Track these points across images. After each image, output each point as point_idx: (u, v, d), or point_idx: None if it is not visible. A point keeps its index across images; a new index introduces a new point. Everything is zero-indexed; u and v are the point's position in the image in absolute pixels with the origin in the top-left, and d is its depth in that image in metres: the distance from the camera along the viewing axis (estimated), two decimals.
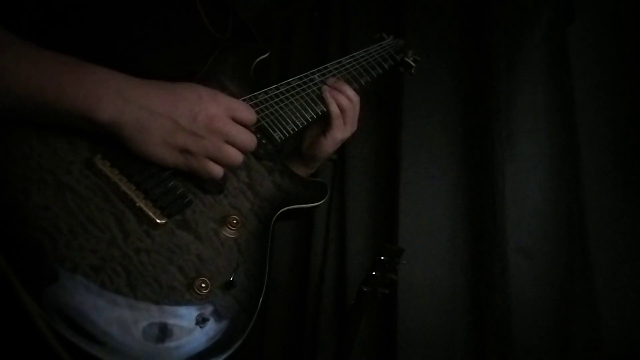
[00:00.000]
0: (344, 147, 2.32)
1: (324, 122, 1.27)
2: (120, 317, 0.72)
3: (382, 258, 1.84)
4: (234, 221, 0.92)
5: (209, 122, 0.86)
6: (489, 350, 2.10)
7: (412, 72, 1.63)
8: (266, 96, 1.15)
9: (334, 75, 1.31)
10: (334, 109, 1.24)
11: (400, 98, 2.40)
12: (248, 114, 0.94)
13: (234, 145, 0.90)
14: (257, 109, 1.10)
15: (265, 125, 1.10)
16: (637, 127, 2.08)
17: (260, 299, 0.90)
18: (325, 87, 1.25)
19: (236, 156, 0.91)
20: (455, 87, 2.40)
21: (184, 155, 0.85)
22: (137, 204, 0.82)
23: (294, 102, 1.19)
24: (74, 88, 0.78)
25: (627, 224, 2.05)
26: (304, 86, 1.24)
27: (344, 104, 1.25)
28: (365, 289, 1.83)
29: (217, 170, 0.89)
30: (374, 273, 1.83)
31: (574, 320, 2.01)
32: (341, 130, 1.27)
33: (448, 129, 2.38)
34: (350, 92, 1.27)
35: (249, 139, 0.93)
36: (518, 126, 2.22)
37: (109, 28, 0.95)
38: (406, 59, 1.60)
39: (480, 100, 2.31)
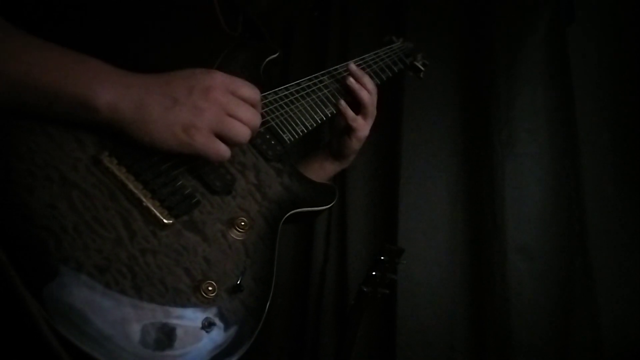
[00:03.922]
0: None
1: (346, 125, 1.26)
2: (124, 319, 0.70)
3: (382, 258, 1.84)
4: (242, 223, 0.89)
5: (206, 93, 0.83)
6: (489, 350, 2.10)
7: (421, 76, 1.62)
8: (275, 96, 1.13)
9: (343, 78, 1.30)
10: (349, 113, 1.24)
11: (401, 98, 2.40)
12: (250, 90, 0.89)
13: (237, 118, 0.85)
14: (267, 109, 1.08)
15: (275, 126, 1.08)
16: (637, 127, 2.09)
17: (268, 303, 0.88)
18: (350, 80, 1.25)
19: (242, 130, 0.86)
20: (455, 87, 2.40)
21: (187, 132, 0.81)
22: (144, 203, 0.79)
23: (304, 103, 1.17)
24: (75, 75, 0.76)
25: (627, 224, 2.05)
26: (314, 87, 1.22)
27: (366, 99, 1.24)
28: (365, 289, 1.82)
29: (224, 150, 0.84)
30: (374, 273, 1.83)
31: (574, 320, 2.01)
32: (363, 128, 1.26)
33: (448, 129, 2.38)
34: (370, 85, 1.27)
35: (251, 113, 0.88)
36: (518, 126, 2.23)
37: (115, 23, 0.94)
38: (415, 63, 1.60)
39: (480, 100, 2.31)
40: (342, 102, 1.23)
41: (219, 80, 0.86)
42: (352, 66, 1.27)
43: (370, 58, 1.42)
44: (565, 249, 2.08)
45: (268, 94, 1.12)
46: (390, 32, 1.66)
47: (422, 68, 1.61)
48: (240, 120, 0.86)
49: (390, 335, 2.24)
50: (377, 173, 2.50)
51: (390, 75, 1.45)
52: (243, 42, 1.18)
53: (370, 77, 1.34)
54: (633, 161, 2.07)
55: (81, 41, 0.82)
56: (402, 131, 2.38)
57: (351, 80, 1.25)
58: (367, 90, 1.25)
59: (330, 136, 1.34)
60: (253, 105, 0.89)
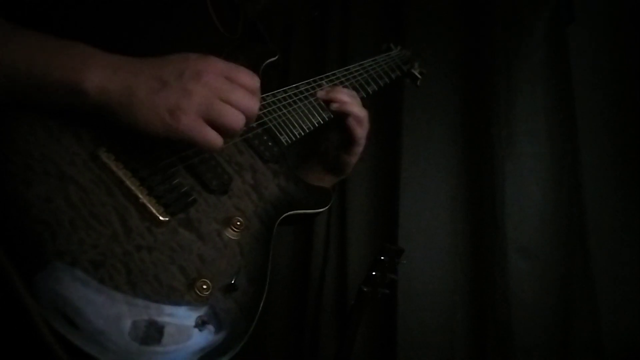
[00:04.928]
0: None
1: (344, 141, 1.25)
2: (118, 315, 0.70)
3: (382, 258, 1.84)
4: (238, 223, 0.89)
5: (198, 76, 0.78)
6: (489, 350, 2.10)
7: (418, 84, 1.64)
8: (274, 99, 1.13)
9: (341, 82, 1.30)
10: (358, 131, 1.22)
11: (401, 98, 2.40)
12: (247, 76, 0.84)
13: (230, 103, 0.80)
14: (265, 110, 1.09)
15: (272, 127, 1.09)
16: (637, 127, 2.09)
17: (261, 304, 0.88)
18: (333, 105, 1.21)
19: (235, 116, 0.80)
20: (455, 88, 2.40)
21: (173, 116, 0.76)
22: (141, 200, 0.79)
23: (302, 106, 1.18)
24: (62, 60, 0.75)
25: (627, 224, 2.05)
26: (312, 91, 1.23)
27: (360, 113, 1.22)
28: (365, 289, 1.82)
29: (213, 136, 0.79)
30: (374, 273, 1.83)
31: (574, 320, 2.01)
32: (363, 143, 1.26)
33: (448, 129, 2.38)
34: (351, 97, 1.24)
35: (248, 99, 0.82)
36: (518, 126, 2.23)
37: (115, 25, 0.94)
38: (412, 71, 1.62)
39: (480, 100, 2.31)
40: (351, 120, 1.22)
41: (214, 64, 0.82)
42: (321, 92, 1.22)
43: (368, 64, 1.44)
44: (565, 249, 2.08)
45: (266, 96, 1.12)
46: (390, 32, 1.67)
47: (419, 76, 1.64)
48: (234, 106, 0.81)
49: (390, 335, 2.24)
50: (377, 173, 2.49)
51: (388, 81, 1.47)
52: (242, 44, 1.18)
53: (368, 83, 1.35)
54: (633, 161, 2.07)
55: (83, 40, 0.82)
56: (402, 131, 2.37)
57: (334, 105, 1.21)
58: (354, 105, 1.23)
59: (323, 153, 1.32)
60: (251, 93, 0.84)
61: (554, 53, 2.20)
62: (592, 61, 2.18)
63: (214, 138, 0.79)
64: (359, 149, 1.26)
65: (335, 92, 1.23)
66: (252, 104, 0.83)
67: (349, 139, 1.24)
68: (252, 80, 0.85)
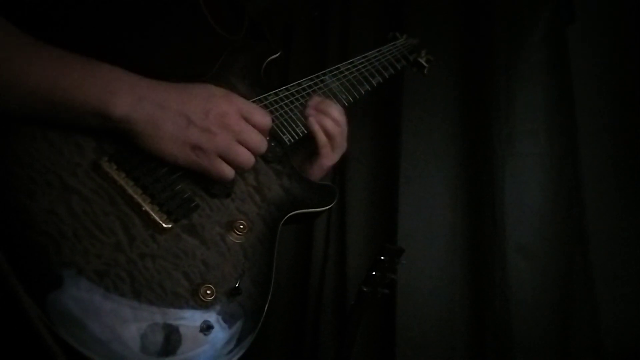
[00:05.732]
0: None
1: (311, 149, 1.17)
2: (123, 323, 0.71)
3: (382, 258, 1.83)
4: (241, 226, 0.90)
5: (221, 119, 0.86)
6: (488, 350, 2.11)
7: (425, 72, 1.61)
8: (276, 97, 1.12)
9: (345, 76, 1.29)
10: (320, 137, 1.14)
11: (400, 97, 2.39)
12: (262, 117, 0.93)
13: (245, 145, 0.89)
14: (267, 110, 1.08)
15: (275, 127, 1.07)
16: (637, 127, 2.09)
17: (266, 306, 0.89)
18: (309, 110, 1.14)
19: (247, 157, 0.90)
20: (456, 87, 2.39)
21: (195, 152, 0.84)
22: (143, 208, 0.80)
23: (305, 103, 1.16)
24: (88, 83, 0.77)
25: (627, 224, 2.05)
26: (315, 87, 1.21)
27: (331, 128, 1.14)
28: (365, 289, 1.82)
29: (228, 171, 0.88)
30: (374, 273, 1.83)
31: (574, 320, 2.01)
32: (329, 158, 1.18)
33: (448, 129, 2.38)
34: (336, 114, 1.16)
35: (259, 141, 0.92)
36: (518, 126, 2.22)
37: (113, 29, 0.93)
38: (419, 59, 1.58)
39: (480, 100, 2.31)
40: (315, 124, 1.14)
41: (234, 105, 0.90)
42: (308, 108, 1.16)
43: (372, 55, 1.41)
44: (565, 249, 2.08)
45: (269, 95, 1.11)
46: (389, 32, 1.65)
47: (426, 64, 1.60)
48: (247, 147, 0.89)
49: (390, 335, 2.24)
50: (377, 173, 2.49)
51: (393, 72, 1.44)
52: (243, 43, 1.17)
53: (373, 76, 1.33)
54: (633, 161, 2.07)
55: (83, 43, 0.83)
56: (401, 131, 2.37)
57: (309, 111, 1.14)
58: (331, 119, 1.15)
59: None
60: (262, 131, 0.93)
61: (554, 53, 2.20)
62: (592, 61, 2.18)
63: (228, 172, 0.89)
64: (324, 162, 1.17)
65: (329, 104, 1.17)
66: (263, 144, 0.93)
67: (314, 148, 1.17)
68: (265, 120, 0.94)
